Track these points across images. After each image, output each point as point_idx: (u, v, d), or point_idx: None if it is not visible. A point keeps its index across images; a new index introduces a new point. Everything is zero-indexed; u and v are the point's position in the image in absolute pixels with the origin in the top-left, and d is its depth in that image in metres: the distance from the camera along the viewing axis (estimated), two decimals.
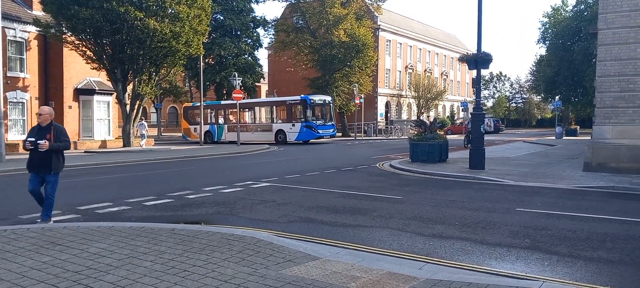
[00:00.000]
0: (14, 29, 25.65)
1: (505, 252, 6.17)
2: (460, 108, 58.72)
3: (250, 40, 47.01)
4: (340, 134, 44.69)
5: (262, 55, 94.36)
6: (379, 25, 55.42)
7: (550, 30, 47.69)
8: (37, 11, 26.91)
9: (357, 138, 41.01)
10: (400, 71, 62.11)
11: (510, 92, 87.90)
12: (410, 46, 63.98)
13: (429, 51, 68.30)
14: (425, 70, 65.36)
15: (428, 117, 55.37)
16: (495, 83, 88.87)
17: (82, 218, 8.15)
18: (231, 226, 7.36)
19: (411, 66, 63.43)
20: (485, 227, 7.50)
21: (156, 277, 4.76)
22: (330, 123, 34.76)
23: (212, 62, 45.15)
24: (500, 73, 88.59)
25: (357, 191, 11.25)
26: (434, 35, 71.83)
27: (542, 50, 54.56)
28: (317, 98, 34.93)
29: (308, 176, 14.19)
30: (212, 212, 8.89)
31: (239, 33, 45.81)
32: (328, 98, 36.09)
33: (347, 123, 46.27)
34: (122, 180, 13.81)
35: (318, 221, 8.04)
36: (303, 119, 32.50)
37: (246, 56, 46.22)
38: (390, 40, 59.44)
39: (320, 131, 32.94)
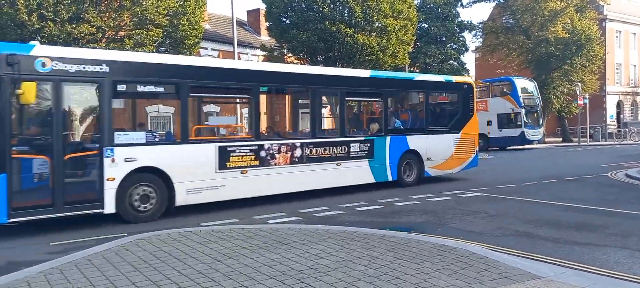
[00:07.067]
0: (247, 54, 29.76)
1: None
2: None
3: (455, 45, 45.98)
4: (561, 139, 40.67)
5: (468, 58, 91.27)
6: (606, 15, 48.65)
7: None
8: (264, 37, 30.77)
9: (581, 143, 36.61)
10: (634, 65, 53.50)
11: None
12: None
13: None
14: None
15: None
16: None
17: (303, 221, 8.92)
18: (441, 236, 7.22)
19: None
20: None
21: (370, 282, 4.92)
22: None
23: (417, 70, 45.41)
24: None
25: (584, 204, 10.00)
26: None
27: None
28: None
29: (523, 186, 13.14)
30: (421, 220, 8.86)
31: (443, 39, 45.22)
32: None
33: (568, 127, 41.66)
34: None
35: (537, 236, 7.37)
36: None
37: (452, 61, 45.34)
38: (620, 31, 51.70)
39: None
